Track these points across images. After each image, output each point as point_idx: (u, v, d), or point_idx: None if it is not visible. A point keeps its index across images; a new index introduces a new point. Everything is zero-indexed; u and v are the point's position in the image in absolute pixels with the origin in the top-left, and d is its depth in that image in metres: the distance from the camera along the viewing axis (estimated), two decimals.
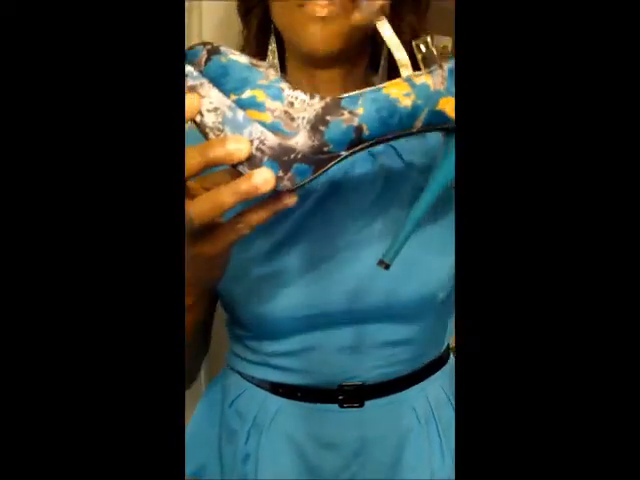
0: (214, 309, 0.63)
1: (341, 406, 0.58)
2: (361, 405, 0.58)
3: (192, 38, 0.81)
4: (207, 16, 0.81)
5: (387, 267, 0.44)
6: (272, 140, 0.37)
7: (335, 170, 0.56)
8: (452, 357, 0.66)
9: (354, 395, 0.58)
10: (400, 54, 0.41)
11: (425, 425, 0.60)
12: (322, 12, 0.49)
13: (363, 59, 0.58)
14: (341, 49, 0.52)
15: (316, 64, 0.55)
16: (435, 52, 0.40)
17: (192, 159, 0.36)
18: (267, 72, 0.38)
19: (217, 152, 0.36)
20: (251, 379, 0.62)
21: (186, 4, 0.78)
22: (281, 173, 0.38)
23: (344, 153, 0.39)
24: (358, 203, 0.56)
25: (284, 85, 0.38)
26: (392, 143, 0.58)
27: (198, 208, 0.37)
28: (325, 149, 0.38)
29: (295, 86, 0.60)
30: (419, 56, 0.40)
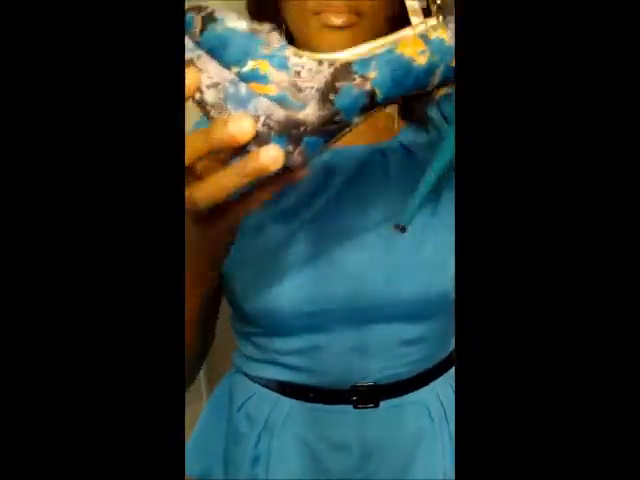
0: (218, 304, 0.63)
1: (355, 407, 0.58)
2: (376, 406, 0.58)
3: None
4: None
5: (404, 230, 0.43)
6: (279, 114, 0.35)
7: (344, 167, 0.56)
8: None
9: (368, 396, 0.58)
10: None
11: (438, 424, 0.60)
12: (338, 21, 0.49)
13: None
14: None
15: None
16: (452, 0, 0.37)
17: (195, 144, 0.34)
18: (269, 38, 0.36)
19: (220, 135, 0.33)
20: (259, 380, 0.61)
21: (186, 4, 0.77)
22: (290, 148, 0.35)
23: (356, 120, 0.37)
24: (366, 201, 0.56)
25: (289, 52, 0.35)
26: (403, 141, 0.58)
27: (203, 192, 0.35)
28: (336, 118, 0.36)
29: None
30: (433, 6, 0.37)
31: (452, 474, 0.59)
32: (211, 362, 0.91)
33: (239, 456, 0.61)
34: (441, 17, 0.37)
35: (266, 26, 0.36)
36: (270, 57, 0.35)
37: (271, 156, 0.34)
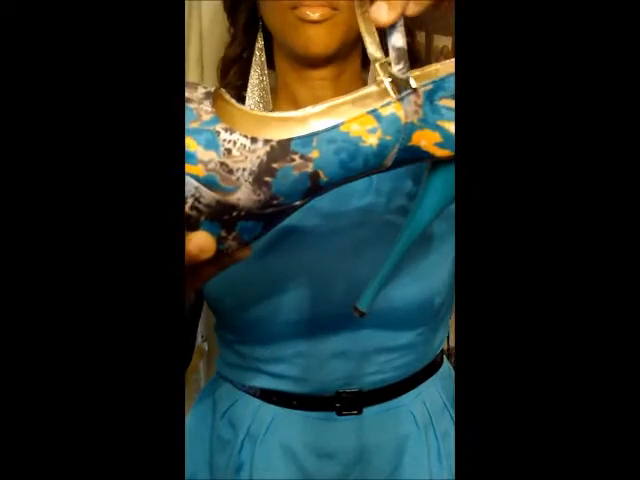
0: (198, 315, 0.62)
1: (339, 414, 0.57)
2: (360, 412, 0.57)
3: (192, 38, 0.81)
4: (207, 16, 0.81)
5: (363, 315, 0.39)
6: (208, 197, 0.31)
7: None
8: (446, 360, 0.65)
9: (352, 402, 0.57)
10: (372, 48, 0.34)
11: (424, 429, 0.59)
12: (314, 15, 0.49)
13: (356, 56, 0.58)
14: (334, 51, 0.52)
15: (308, 64, 0.55)
16: (409, 73, 0.33)
17: None
18: (200, 108, 0.32)
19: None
20: (243, 387, 0.60)
21: (186, 4, 0.78)
22: (224, 233, 0.32)
23: (299, 203, 0.33)
24: (355, 208, 0.55)
25: (220, 127, 0.31)
26: None
27: None
28: (275, 202, 0.32)
29: (284, 87, 0.54)
30: (387, 79, 0.32)
31: (439, 478, 0.59)
32: (212, 362, 0.91)
33: (223, 463, 0.60)
34: (396, 92, 0.33)
35: (200, 91, 0.33)
36: (197, 132, 0.31)
37: (198, 246, 0.31)
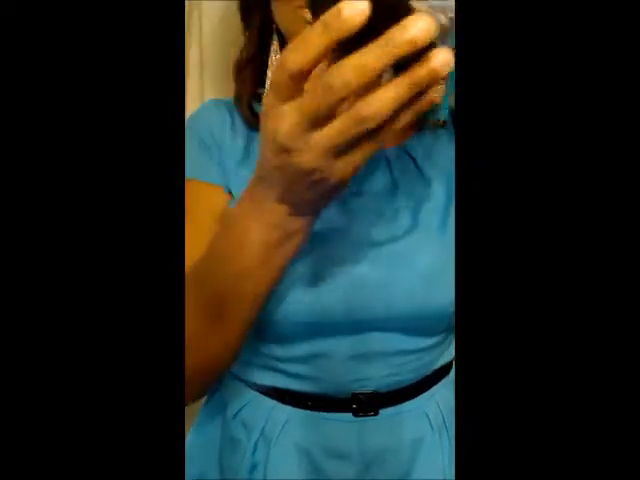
0: None
1: (355, 415, 0.57)
2: (376, 414, 0.57)
3: (192, 38, 0.81)
4: (207, 16, 0.81)
5: (445, 124, 0.40)
6: None
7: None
8: None
9: (368, 403, 0.57)
10: None
11: (437, 431, 0.59)
12: None
13: None
14: None
15: None
16: None
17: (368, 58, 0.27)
18: None
19: (396, 41, 0.26)
20: (256, 386, 0.60)
21: (186, 4, 0.78)
22: None
23: None
24: (370, 210, 0.55)
25: None
26: (406, 147, 0.57)
27: (294, 60, 0.28)
28: None
29: None
30: None
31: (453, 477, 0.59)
32: None
33: (236, 464, 0.60)
34: None
35: None
36: None
37: (443, 59, 0.28)
